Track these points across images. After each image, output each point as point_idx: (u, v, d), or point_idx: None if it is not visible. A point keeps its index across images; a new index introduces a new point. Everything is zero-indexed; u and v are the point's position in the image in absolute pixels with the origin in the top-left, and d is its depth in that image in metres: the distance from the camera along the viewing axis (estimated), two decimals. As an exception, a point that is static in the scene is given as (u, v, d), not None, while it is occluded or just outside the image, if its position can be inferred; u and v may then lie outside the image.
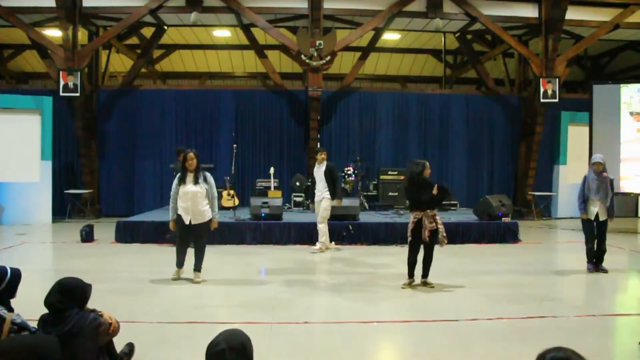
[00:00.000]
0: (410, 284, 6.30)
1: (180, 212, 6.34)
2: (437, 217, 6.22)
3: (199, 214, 6.33)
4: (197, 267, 6.47)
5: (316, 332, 4.69)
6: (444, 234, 6.23)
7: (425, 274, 6.36)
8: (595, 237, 7.17)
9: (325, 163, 8.62)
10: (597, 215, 7.10)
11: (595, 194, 7.04)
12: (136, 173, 13.09)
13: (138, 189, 13.08)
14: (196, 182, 6.31)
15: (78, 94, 11.76)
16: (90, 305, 3.40)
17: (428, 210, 6.15)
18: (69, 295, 3.12)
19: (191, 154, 6.34)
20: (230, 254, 8.42)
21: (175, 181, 6.42)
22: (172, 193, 6.41)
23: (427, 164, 6.33)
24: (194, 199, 6.27)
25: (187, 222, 6.32)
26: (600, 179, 7.03)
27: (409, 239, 6.27)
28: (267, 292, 6.04)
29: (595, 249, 7.21)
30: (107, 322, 3.29)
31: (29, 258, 8.05)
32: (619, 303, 6.24)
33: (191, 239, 6.51)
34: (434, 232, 6.17)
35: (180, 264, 6.55)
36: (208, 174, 6.48)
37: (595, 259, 7.27)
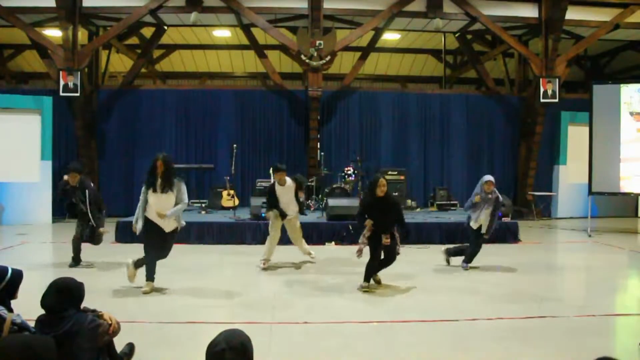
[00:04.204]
0: (369, 287, 6.14)
1: (151, 218, 5.94)
2: (395, 232, 6.16)
3: (166, 221, 5.92)
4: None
5: (316, 332, 4.69)
6: (399, 251, 6.25)
7: (377, 271, 6.30)
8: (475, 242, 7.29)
9: (288, 180, 7.45)
10: (480, 227, 7.22)
11: (486, 208, 7.20)
12: (136, 173, 13.05)
13: (138, 189, 12.82)
14: (164, 189, 5.86)
15: (78, 94, 11.76)
16: (91, 305, 3.40)
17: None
18: (66, 296, 3.12)
19: (159, 161, 5.86)
20: (230, 254, 8.41)
21: (143, 188, 6.02)
22: (140, 198, 6.03)
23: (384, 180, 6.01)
24: (163, 206, 5.87)
25: (157, 229, 5.91)
26: (487, 198, 7.20)
27: (363, 245, 6.17)
28: (267, 292, 6.04)
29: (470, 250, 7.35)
30: (106, 323, 3.28)
31: (29, 258, 8.03)
32: (619, 303, 6.23)
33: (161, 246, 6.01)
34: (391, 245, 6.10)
35: (151, 276, 5.96)
36: (181, 182, 6.01)
37: (467, 257, 7.34)
